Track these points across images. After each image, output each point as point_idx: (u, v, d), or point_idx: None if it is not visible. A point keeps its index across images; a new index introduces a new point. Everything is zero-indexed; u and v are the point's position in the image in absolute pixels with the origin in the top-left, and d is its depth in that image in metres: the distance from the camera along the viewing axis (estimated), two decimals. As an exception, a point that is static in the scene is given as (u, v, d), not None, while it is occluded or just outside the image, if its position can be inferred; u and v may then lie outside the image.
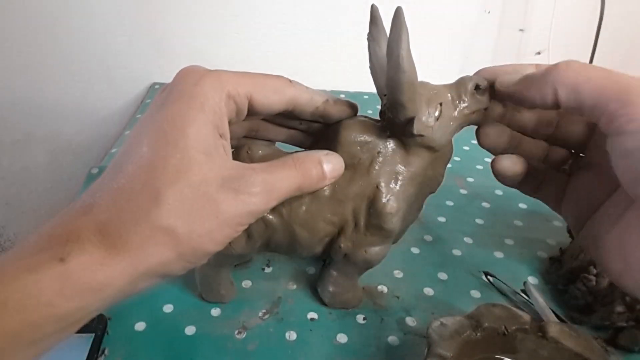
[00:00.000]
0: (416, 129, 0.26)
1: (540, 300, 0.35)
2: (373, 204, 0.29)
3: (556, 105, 0.23)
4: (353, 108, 0.29)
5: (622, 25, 0.74)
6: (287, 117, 0.29)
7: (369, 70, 0.30)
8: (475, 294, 0.38)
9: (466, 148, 0.59)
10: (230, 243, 0.24)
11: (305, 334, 0.33)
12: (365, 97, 0.73)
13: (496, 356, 0.29)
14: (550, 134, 0.28)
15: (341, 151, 0.28)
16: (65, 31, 0.69)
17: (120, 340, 0.32)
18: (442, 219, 0.46)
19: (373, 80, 0.30)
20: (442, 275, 0.39)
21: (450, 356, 0.26)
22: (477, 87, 0.27)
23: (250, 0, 0.70)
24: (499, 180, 0.29)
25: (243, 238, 0.29)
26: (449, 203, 0.48)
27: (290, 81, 0.26)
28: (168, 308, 0.35)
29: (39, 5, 0.66)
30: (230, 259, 0.33)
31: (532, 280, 0.39)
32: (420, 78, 0.26)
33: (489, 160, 0.57)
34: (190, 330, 0.33)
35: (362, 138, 0.28)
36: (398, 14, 0.23)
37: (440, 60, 0.76)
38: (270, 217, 0.29)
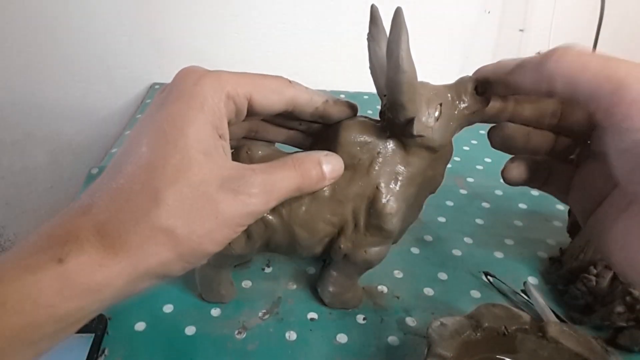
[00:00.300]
0: (416, 129, 0.26)
1: (540, 300, 0.35)
2: (373, 204, 0.29)
3: (551, 94, 0.23)
4: (353, 108, 0.29)
5: (622, 25, 0.74)
6: (286, 118, 0.29)
7: (369, 70, 0.30)
8: (475, 294, 0.38)
9: (466, 148, 0.59)
10: (230, 243, 0.24)
11: (305, 334, 0.33)
12: (365, 97, 0.73)
13: (496, 356, 0.29)
14: (555, 124, 0.27)
15: (341, 151, 0.28)
16: (65, 31, 0.69)
17: (120, 340, 0.32)
18: (442, 219, 0.46)
19: (373, 80, 0.30)
20: (442, 275, 0.39)
21: (450, 356, 0.26)
22: (476, 88, 0.27)
23: (250, 0, 0.70)
24: (510, 185, 0.30)
25: (243, 238, 0.29)
26: (449, 203, 0.48)
27: (289, 81, 0.26)
28: (168, 308, 0.35)
29: (39, 5, 0.66)
30: (230, 260, 0.33)
31: (532, 280, 0.39)
32: (420, 78, 0.26)
33: (489, 160, 0.57)
34: (190, 330, 0.33)
35: (362, 138, 0.28)
36: (398, 14, 0.23)
37: (440, 60, 0.76)
38: (270, 217, 0.29)
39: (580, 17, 0.73)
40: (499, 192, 0.50)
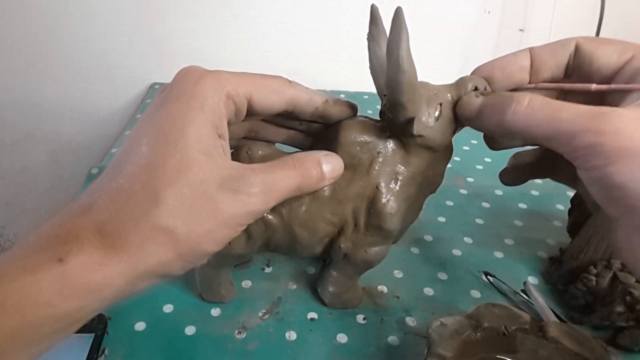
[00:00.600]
0: (416, 129, 0.26)
1: (540, 300, 0.35)
2: (373, 204, 0.29)
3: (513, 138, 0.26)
4: (353, 108, 0.29)
5: (622, 25, 0.74)
6: (286, 118, 0.29)
7: (369, 70, 0.30)
8: (475, 294, 0.38)
9: (466, 148, 0.59)
10: (230, 243, 0.24)
11: (305, 334, 0.33)
12: (365, 97, 0.73)
13: (496, 356, 0.29)
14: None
15: (341, 151, 0.28)
16: (65, 31, 0.69)
17: (120, 340, 0.32)
18: (442, 219, 0.46)
19: (373, 80, 0.30)
20: (442, 275, 0.39)
21: (450, 356, 0.26)
22: (476, 87, 0.27)
23: (250, 0, 0.70)
24: (512, 185, 0.32)
25: (243, 238, 0.29)
26: (449, 203, 0.48)
27: (289, 81, 0.26)
28: (168, 308, 0.35)
29: (39, 5, 0.66)
30: (230, 259, 0.33)
31: (532, 280, 0.39)
32: (420, 78, 0.26)
33: (489, 160, 0.57)
34: (190, 330, 0.33)
35: (362, 138, 0.28)
36: (398, 14, 0.23)
37: (440, 60, 0.76)
38: (270, 217, 0.29)
39: (580, 17, 0.73)
40: (499, 192, 0.50)
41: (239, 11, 0.70)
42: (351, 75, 0.75)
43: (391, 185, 0.29)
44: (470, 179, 0.53)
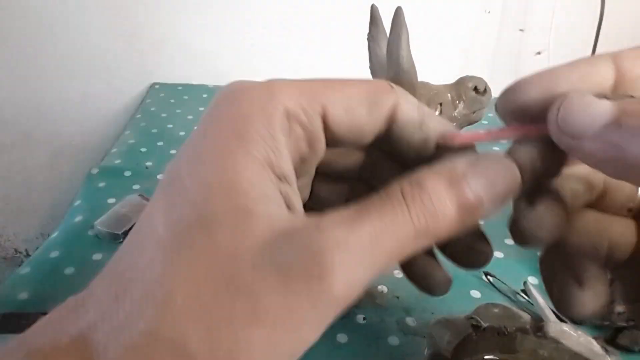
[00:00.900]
0: (416, 129, 0.26)
1: (540, 300, 0.35)
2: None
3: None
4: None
5: (622, 25, 0.74)
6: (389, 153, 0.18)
7: (369, 70, 0.30)
8: (475, 294, 0.38)
9: (466, 148, 0.59)
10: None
11: (305, 334, 0.33)
12: (365, 97, 0.73)
13: (496, 356, 0.29)
14: None
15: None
16: (65, 31, 0.69)
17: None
18: (442, 219, 0.46)
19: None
20: (442, 275, 0.39)
21: (450, 356, 0.26)
22: (476, 87, 0.27)
23: (250, 0, 0.70)
24: None
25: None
26: (449, 203, 0.48)
27: (390, 85, 0.17)
28: (168, 308, 0.35)
29: (39, 5, 0.66)
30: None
31: (532, 280, 0.39)
32: (420, 78, 0.26)
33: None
34: (190, 330, 0.33)
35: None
36: (398, 14, 0.23)
37: (440, 60, 0.76)
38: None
39: (580, 17, 0.73)
40: (499, 192, 0.50)
41: (239, 11, 0.70)
42: (351, 75, 0.75)
43: (391, 185, 0.29)
44: (470, 179, 0.53)
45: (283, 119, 0.15)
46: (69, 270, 0.38)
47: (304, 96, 0.16)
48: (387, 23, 0.26)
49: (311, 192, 0.19)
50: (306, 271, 0.12)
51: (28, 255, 0.89)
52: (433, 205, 0.14)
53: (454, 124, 0.28)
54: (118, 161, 0.53)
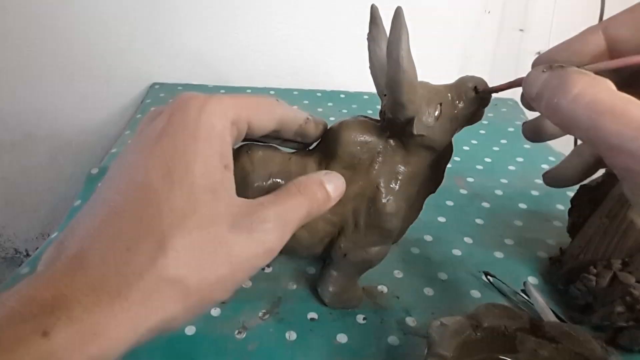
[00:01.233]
0: (416, 129, 0.26)
1: (540, 300, 0.35)
2: (373, 204, 0.29)
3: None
4: (325, 128, 0.29)
5: (622, 25, 0.74)
6: (270, 138, 0.28)
7: (369, 70, 0.30)
8: (475, 294, 0.38)
9: (466, 148, 0.59)
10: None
11: (305, 334, 0.33)
12: (365, 97, 0.73)
13: (496, 356, 0.29)
14: None
15: (341, 151, 0.28)
16: (65, 31, 0.69)
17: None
18: (442, 219, 0.46)
19: (373, 80, 0.30)
20: (442, 275, 0.39)
21: (450, 356, 0.26)
22: (476, 87, 0.27)
23: (250, 0, 0.70)
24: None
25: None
26: (449, 203, 0.48)
27: (277, 100, 0.26)
28: (168, 308, 0.35)
29: (39, 5, 0.66)
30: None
31: (532, 280, 0.39)
32: (420, 78, 0.26)
33: (489, 160, 0.57)
34: (190, 330, 0.33)
35: (362, 138, 0.28)
36: (398, 14, 0.23)
37: (440, 60, 0.76)
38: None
39: (580, 17, 0.73)
40: (499, 192, 0.50)
41: (239, 11, 0.70)
42: (351, 75, 0.75)
43: (391, 185, 0.29)
44: (470, 179, 0.53)
45: (230, 125, 0.22)
46: (69, 270, 0.38)
47: (241, 108, 0.23)
48: (387, 23, 0.26)
49: None
50: (258, 228, 0.21)
51: (28, 255, 0.89)
52: (315, 194, 0.24)
53: (454, 123, 0.28)
54: (118, 161, 0.53)
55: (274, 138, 0.28)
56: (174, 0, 0.69)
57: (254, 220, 0.21)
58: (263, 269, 0.39)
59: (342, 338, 0.33)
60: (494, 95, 0.27)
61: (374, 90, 0.30)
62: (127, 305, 0.17)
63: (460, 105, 0.27)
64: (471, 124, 0.29)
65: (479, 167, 0.55)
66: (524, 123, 0.27)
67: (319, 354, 0.32)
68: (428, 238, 0.43)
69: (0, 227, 0.86)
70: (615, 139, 0.17)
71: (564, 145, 0.47)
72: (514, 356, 0.28)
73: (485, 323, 0.28)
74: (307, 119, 0.27)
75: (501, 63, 0.77)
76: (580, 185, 0.39)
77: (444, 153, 0.30)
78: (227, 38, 0.72)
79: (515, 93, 0.27)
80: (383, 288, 0.38)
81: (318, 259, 0.33)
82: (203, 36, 0.72)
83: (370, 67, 0.30)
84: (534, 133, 0.27)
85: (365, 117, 0.29)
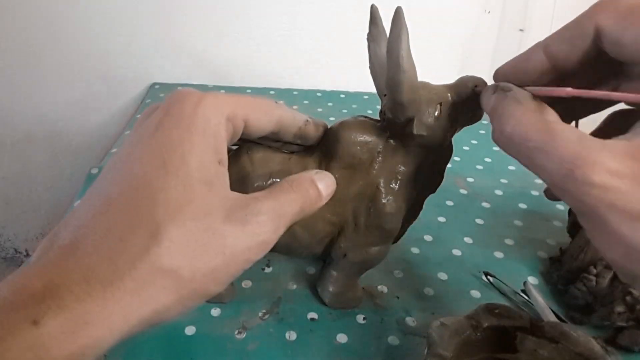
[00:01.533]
0: (416, 129, 0.26)
1: (540, 300, 0.35)
2: (373, 204, 0.29)
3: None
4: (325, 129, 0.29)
5: (622, 25, 0.74)
6: (270, 140, 0.28)
7: (369, 70, 0.30)
8: (475, 294, 0.38)
9: (466, 148, 0.59)
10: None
11: (305, 334, 0.33)
12: (365, 97, 0.73)
13: (496, 356, 0.29)
14: None
15: (341, 151, 0.28)
16: (65, 31, 0.69)
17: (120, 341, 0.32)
18: (442, 219, 0.46)
19: (373, 80, 0.30)
20: (442, 275, 0.39)
21: (450, 356, 0.26)
22: (476, 88, 0.27)
23: (250, 0, 0.70)
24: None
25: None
26: (449, 203, 0.48)
27: (276, 102, 0.26)
28: (168, 308, 0.35)
29: (39, 5, 0.66)
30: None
31: (532, 280, 0.39)
32: (420, 78, 0.26)
33: (489, 160, 0.57)
34: (190, 330, 0.33)
35: (362, 138, 0.28)
36: (398, 14, 0.23)
37: (440, 60, 0.76)
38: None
39: (580, 17, 0.73)
40: (499, 192, 0.50)
41: (239, 11, 0.70)
42: (351, 75, 0.75)
43: (391, 185, 0.29)
44: (470, 179, 0.53)
45: (225, 121, 0.22)
46: (69, 270, 0.38)
47: (237, 106, 0.23)
48: (387, 23, 0.26)
49: None
50: (252, 221, 0.20)
51: (28, 255, 0.89)
52: (307, 191, 0.24)
53: (454, 124, 0.28)
54: (118, 161, 0.53)
55: (273, 140, 0.28)
56: (174, 1, 0.69)
57: (248, 213, 0.21)
58: (263, 268, 0.39)
59: (342, 338, 0.33)
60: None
61: (374, 90, 0.30)
62: (119, 295, 0.17)
63: (460, 105, 0.27)
64: (471, 124, 0.29)
65: (479, 167, 0.55)
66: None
67: (319, 354, 0.32)
68: (428, 238, 0.43)
69: (0, 227, 0.86)
70: (547, 176, 0.18)
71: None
72: (514, 356, 0.28)
73: (485, 323, 0.28)
74: (307, 121, 0.27)
75: (501, 63, 0.76)
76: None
77: (444, 153, 0.30)
78: (227, 38, 0.72)
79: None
80: (383, 288, 0.38)
81: (318, 259, 0.33)
82: (203, 36, 0.72)
83: (370, 67, 0.30)
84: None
85: (365, 117, 0.29)
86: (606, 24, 0.19)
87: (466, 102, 0.27)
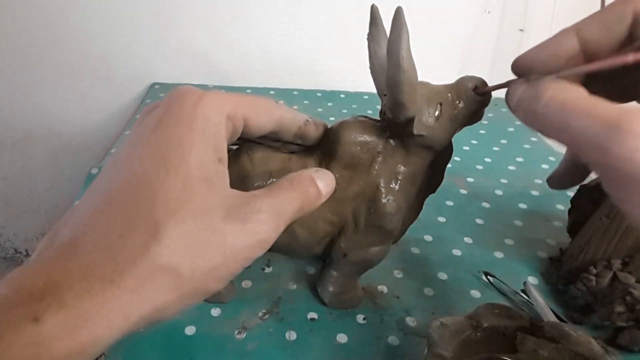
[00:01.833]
0: (416, 129, 0.26)
1: (540, 300, 0.35)
2: (373, 204, 0.29)
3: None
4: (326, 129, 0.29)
5: (622, 25, 0.74)
6: (269, 139, 0.28)
7: (369, 70, 0.30)
8: (475, 294, 0.38)
9: (466, 148, 0.59)
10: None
11: (305, 334, 0.33)
12: (365, 97, 0.73)
13: (496, 356, 0.29)
14: None
15: (341, 151, 0.28)
16: (65, 31, 0.69)
17: (120, 340, 0.32)
18: (442, 219, 0.46)
19: (373, 80, 0.30)
20: (442, 275, 0.39)
21: (450, 356, 0.26)
22: (476, 88, 0.27)
23: (250, 0, 0.70)
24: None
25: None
26: (449, 203, 0.48)
27: (276, 102, 0.26)
28: (168, 308, 0.35)
29: (39, 5, 0.66)
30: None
31: (532, 280, 0.39)
32: (420, 78, 0.26)
33: (489, 160, 0.57)
34: (190, 330, 0.33)
35: (362, 138, 0.28)
36: (398, 14, 0.23)
37: (440, 60, 0.76)
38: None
39: (580, 17, 0.73)
40: (499, 192, 0.50)
41: (239, 11, 0.70)
42: (351, 75, 0.75)
43: (391, 185, 0.29)
44: (470, 179, 0.53)
45: (226, 120, 0.22)
46: (69, 270, 0.38)
47: (237, 105, 0.23)
48: (387, 23, 0.26)
49: None
50: (252, 219, 0.20)
51: (28, 255, 0.89)
52: (307, 190, 0.24)
53: (454, 123, 0.28)
54: (118, 161, 0.53)
55: (273, 140, 0.28)
56: (174, 1, 0.69)
57: (247, 211, 0.21)
58: (263, 268, 0.39)
59: (342, 338, 0.33)
60: (494, 95, 0.27)
61: (374, 90, 0.30)
62: (119, 293, 0.17)
63: (460, 105, 0.27)
64: (471, 124, 0.29)
65: (479, 167, 0.55)
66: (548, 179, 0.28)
67: (319, 354, 0.32)
68: (428, 238, 0.43)
69: (0, 227, 0.86)
70: (583, 136, 0.18)
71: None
72: (514, 356, 0.28)
73: (485, 323, 0.28)
74: (307, 120, 0.27)
75: (501, 63, 0.77)
76: (580, 185, 0.39)
77: (444, 153, 0.30)
78: (227, 38, 0.72)
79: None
80: (383, 288, 0.38)
81: (318, 259, 0.33)
82: (203, 36, 0.72)
83: (370, 67, 0.30)
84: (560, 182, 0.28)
85: (365, 117, 0.29)
86: None
87: (466, 102, 0.27)
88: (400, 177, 0.29)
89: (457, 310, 0.36)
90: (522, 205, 0.49)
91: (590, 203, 0.38)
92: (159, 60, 0.73)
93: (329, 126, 0.29)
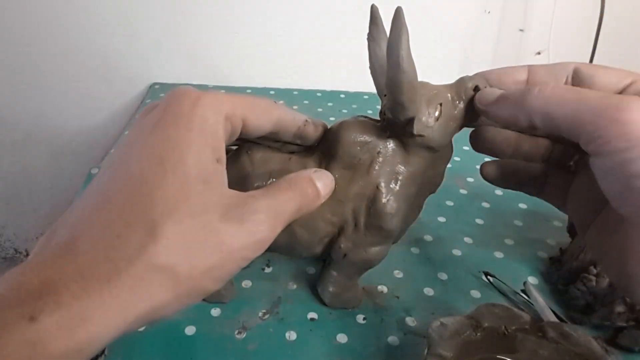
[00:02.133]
0: (416, 129, 0.26)
1: (540, 300, 0.35)
2: (373, 204, 0.29)
3: (533, 129, 0.23)
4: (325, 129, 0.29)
5: (622, 25, 0.74)
6: (269, 140, 0.28)
7: (369, 70, 0.30)
8: (475, 294, 0.38)
9: (466, 148, 0.59)
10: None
11: (305, 334, 0.33)
12: (365, 97, 0.73)
13: (496, 356, 0.29)
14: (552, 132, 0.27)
15: (341, 151, 0.28)
16: (66, 31, 0.69)
17: (120, 340, 0.32)
18: (442, 219, 0.46)
19: (373, 80, 0.30)
20: (442, 275, 0.39)
21: (450, 356, 0.26)
22: (476, 88, 0.27)
23: (250, 0, 0.70)
24: (492, 184, 0.30)
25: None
26: (449, 203, 0.48)
27: (275, 102, 0.26)
28: (168, 308, 0.35)
29: (39, 5, 0.66)
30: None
31: (532, 280, 0.39)
32: (420, 78, 0.26)
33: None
34: (190, 330, 0.33)
35: (362, 138, 0.28)
36: (398, 14, 0.23)
37: (440, 60, 0.76)
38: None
39: (580, 17, 0.73)
40: (499, 192, 0.50)
41: (239, 11, 0.70)
42: (351, 75, 0.75)
43: (391, 185, 0.29)
44: (470, 179, 0.53)
45: (224, 120, 0.22)
46: (69, 270, 0.38)
47: (235, 105, 0.23)
48: (387, 23, 0.26)
49: None
50: (249, 219, 0.21)
51: (28, 255, 0.89)
52: (305, 190, 0.24)
53: (454, 124, 0.28)
54: (118, 161, 0.53)
55: (273, 140, 0.28)
56: (174, 1, 0.69)
57: (245, 211, 0.21)
58: (263, 268, 0.39)
59: (342, 338, 0.33)
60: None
61: (374, 90, 0.30)
62: (116, 292, 0.17)
63: (461, 105, 0.27)
64: (471, 124, 0.29)
65: (479, 167, 0.55)
66: (483, 165, 0.31)
67: (319, 354, 0.32)
68: (428, 238, 0.43)
69: (0, 227, 0.86)
70: (587, 112, 0.20)
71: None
72: (514, 356, 0.28)
73: (485, 323, 0.28)
74: (306, 121, 0.27)
75: (501, 63, 0.76)
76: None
77: (444, 153, 0.30)
78: (227, 38, 0.72)
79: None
80: (383, 288, 0.38)
81: (318, 259, 0.33)
82: (203, 36, 0.72)
83: (370, 67, 0.30)
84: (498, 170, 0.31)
85: (365, 117, 0.29)
86: (583, 66, 0.25)
87: (466, 102, 0.27)
88: (400, 177, 0.29)
89: (457, 310, 0.36)
90: (522, 205, 0.49)
91: (590, 203, 0.38)
92: (159, 60, 0.73)
93: (329, 126, 0.29)
